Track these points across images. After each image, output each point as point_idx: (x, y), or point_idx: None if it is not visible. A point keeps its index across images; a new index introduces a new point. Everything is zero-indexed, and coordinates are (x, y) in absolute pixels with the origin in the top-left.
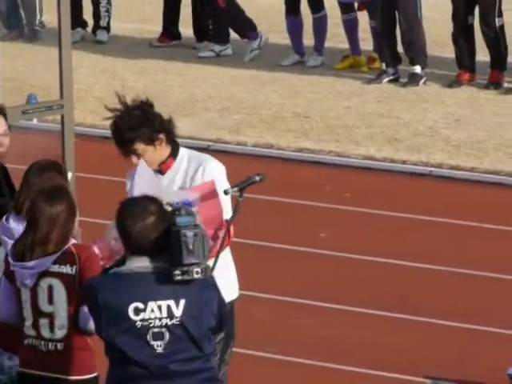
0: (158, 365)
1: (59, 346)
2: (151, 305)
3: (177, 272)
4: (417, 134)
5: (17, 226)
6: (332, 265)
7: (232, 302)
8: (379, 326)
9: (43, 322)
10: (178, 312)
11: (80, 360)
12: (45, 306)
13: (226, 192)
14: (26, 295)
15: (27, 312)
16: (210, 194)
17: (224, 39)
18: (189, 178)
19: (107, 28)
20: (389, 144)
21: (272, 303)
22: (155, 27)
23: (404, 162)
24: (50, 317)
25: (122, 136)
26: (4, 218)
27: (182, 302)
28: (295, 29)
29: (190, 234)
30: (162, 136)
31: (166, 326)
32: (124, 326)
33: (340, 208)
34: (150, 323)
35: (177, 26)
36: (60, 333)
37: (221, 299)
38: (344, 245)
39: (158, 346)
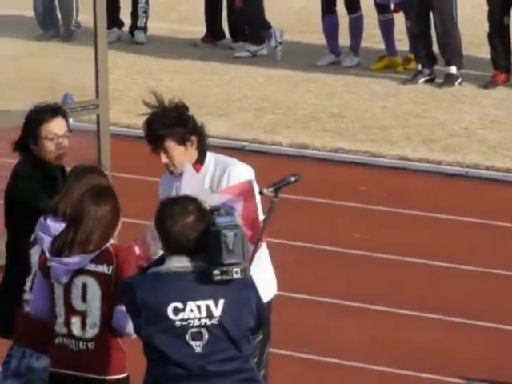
0: (196, 365)
1: (90, 345)
2: (190, 305)
3: (216, 272)
4: (452, 135)
5: (54, 224)
6: (367, 265)
7: (269, 302)
8: (414, 327)
9: (75, 319)
10: (217, 312)
11: (111, 360)
12: (78, 304)
13: (261, 192)
14: (59, 291)
15: (60, 309)
16: (248, 195)
17: (260, 39)
18: (215, 182)
19: (144, 28)
20: (424, 144)
21: (307, 304)
22: (192, 27)
23: (439, 163)
24: (83, 315)
25: (155, 131)
26: (42, 217)
27: (221, 302)
28: (331, 29)
29: (230, 234)
30: (194, 138)
31: (205, 325)
32: (163, 326)
33: (375, 208)
34: (189, 323)
35: (220, 25)
36: (91, 332)
37: (259, 299)
38: (379, 245)
39: (197, 345)
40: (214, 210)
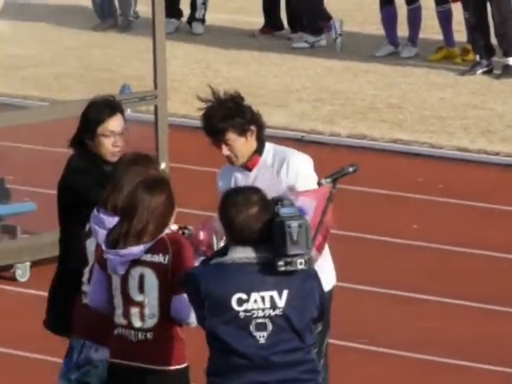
0: (260, 356)
1: (149, 335)
2: (254, 295)
3: (280, 263)
4: (510, 126)
5: (108, 218)
6: (425, 256)
7: (330, 292)
8: (472, 317)
9: (134, 310)
10: (280, 303)
11: (171, 350)
12: (135, 295)
13: (319, 183)
14: (116, 283)
15: (118, 300)
16: (322, 198)
17: (319, 30)
18: (274, 173)
19: (203, 20)
20: (482, 136)
21: (365, 294)
22: (250, 18)
23: (497, 154)
24: (141, 306)
25: (215, 124)
26: (95, 209)
27: (285, 293)
28: (390, 19)
29: (294, 224)
30: (253, 128)
31: (269, 316)
32: (227, 317)
33: (433, 199)
34: (253, 314)
35: (279, 16)
36: (150, 322)
37: (322, 290)
38: (436, 236)
39: (261, 336)
40: (278, 201)
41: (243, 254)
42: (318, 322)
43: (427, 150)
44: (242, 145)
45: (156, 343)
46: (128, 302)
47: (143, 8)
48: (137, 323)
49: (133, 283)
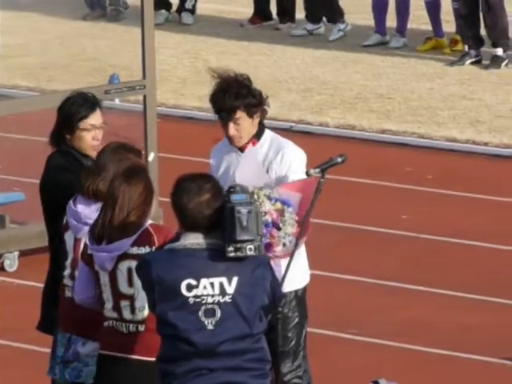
0: (207, 343)
1: (140, 327)
2: (204, 281)
3: (230, 248)
4: (498, 116)
5: (84, 210)
6: (414, 246)
7: (305, 288)
8: (460, 307)
9: (124, 304)
10: (230, 289)
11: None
12: (125, 289)
13: (307, 173)
14: (104, 278)
15: (107, 295)
16: (309, 190)
17: (317, 19)
18: (267, 161)
19: (192, 10)
20: (471, 126)
21: (354, 284)
22: (239, 8)
23: (486, 144)
24: (131, 299)
25: (229, 101)
26: (71, 201)
27: (235, 280)
28: (381, 6)
29: (244, 210)
30: (259, 111)
31: (218, 303)
32: (176, 303)
33: (422, 190)
34: (203, 300)
35: (268, 6)
36: (141, 314)
37: (274, 277)
38: (426, 226)
39: (209, 323)
40: (230, 188)
41: (194, 240)
42: (270, 310)
43: (416, 140)
44: (248, 125)
45: (147, 335)
46: (118, 295)
47: None
48: (128, 316)
49: (121, 277)
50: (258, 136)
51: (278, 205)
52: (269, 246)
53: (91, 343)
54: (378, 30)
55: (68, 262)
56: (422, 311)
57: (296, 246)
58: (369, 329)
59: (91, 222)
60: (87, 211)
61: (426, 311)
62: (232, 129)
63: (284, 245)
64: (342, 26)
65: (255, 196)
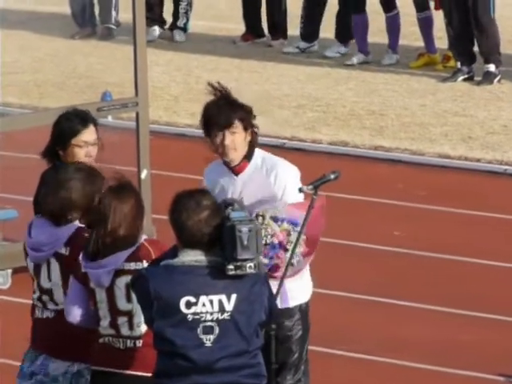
0: (204, 359)
1: (138, 342)
2: (203, 299)
3: (230, 267)
4: (491, 133)
5: (37, 236)
6: (406, 263)
7: (308, 302)
8: (452, 324)
9: (122, 320)
10: (229, 307)
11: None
12: (123, 305)
13: (300, 190)
14: (101, 295)
15: (104, 312)
16: (318, 212)
17: (312, 38)
18: (262, 182)
19: (184, 29)
20: (463, 142)
21: (345, 301)
22: (231, 25)
23: (478, 161)
24: (129, 315)
25: (226, 111)
26: (27, 229)
27: (234, 297)
28: (361, 28)
29: (244, 229)
30: (251, 127)
31: (217, 320)
32: (175, 319)
33: (415, 206)
34: (202, 317)
35: (260, 23)
36: (139, 330)
37: (271, 294)
38: (418, 243)
39: (207, 339)
40: (228, 205)
41: (193, 257)
42: (265, 325)
43: (408, 156)
44: (242, 140)
45: (145, 350)
46: (115, 312)
47: (124, 15)
48: (125, 332)
49: (119, 293)
50: (248, 157)
51: (285, 225)
52: (276, 267)
53: (61, 362)
54: (359, 49)
55: (35, 285)
56: (412, 327)
57: (303, 264)
58: (358, 344)
59: (49, 249)
60: (40, 236)
61: (417, 327)
62: (228, 138)
63: (292, 265)
64: (342, 50)
65: (260, 219)
